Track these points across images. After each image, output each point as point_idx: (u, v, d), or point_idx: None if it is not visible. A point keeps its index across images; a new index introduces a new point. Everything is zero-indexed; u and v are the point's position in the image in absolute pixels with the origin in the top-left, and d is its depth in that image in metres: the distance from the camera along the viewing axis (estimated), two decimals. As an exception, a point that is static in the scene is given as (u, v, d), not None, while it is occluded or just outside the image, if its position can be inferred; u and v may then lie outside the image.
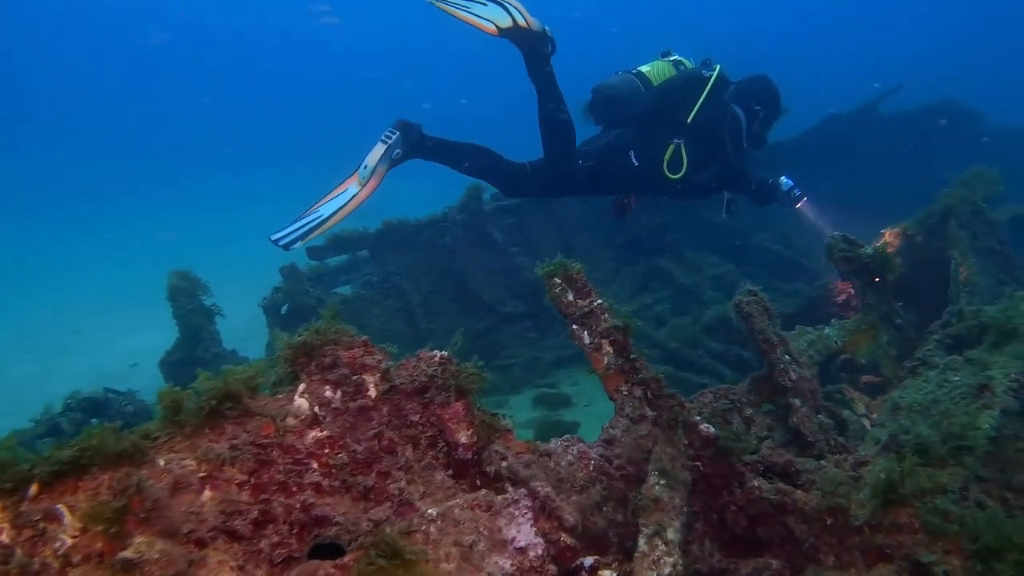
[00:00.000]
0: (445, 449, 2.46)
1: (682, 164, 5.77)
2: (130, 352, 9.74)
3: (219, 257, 16.77)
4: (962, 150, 11.13)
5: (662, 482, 2.77)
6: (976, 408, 3.23)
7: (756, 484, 2.91)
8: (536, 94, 5.57)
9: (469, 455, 2.43)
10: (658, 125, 5.77)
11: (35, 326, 12.82)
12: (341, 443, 2.23)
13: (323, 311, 2.44)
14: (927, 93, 13.15)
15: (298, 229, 5.26)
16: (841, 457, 3.15)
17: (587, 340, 3.18)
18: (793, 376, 3.55)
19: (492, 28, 5.28)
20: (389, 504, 2.25)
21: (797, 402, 3.51)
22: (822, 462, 3.20)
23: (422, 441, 2.42)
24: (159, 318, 8.11)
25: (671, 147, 5.76)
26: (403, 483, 2.32)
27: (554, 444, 2.86)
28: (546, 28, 5.42)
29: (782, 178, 6.30)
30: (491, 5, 5.29)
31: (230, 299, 8.28)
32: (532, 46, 5.36)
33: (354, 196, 5.24)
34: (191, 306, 7.04)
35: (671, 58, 5.92)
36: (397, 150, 5.24)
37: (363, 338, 2.45)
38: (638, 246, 9.48)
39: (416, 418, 2.43)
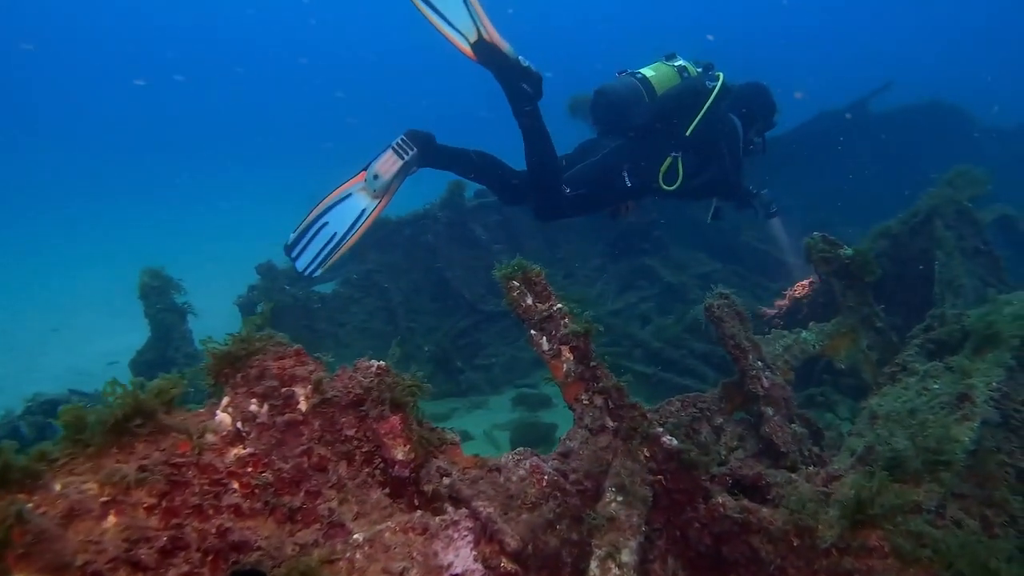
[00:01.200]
0: (383, 466, 2.30)
1: (678, 176, 5.68)
2: (109, 351, 9.53)
3: (208, 254, 16.63)
4: (951, 149, 11.02)
5: (619, 499, 2.63)
6: (955, 419, 3.09)
7: (720, 501, 2.76)
8: (521, 132, 5.39)
9: (406, 473, 2.28)
10: (656, 135, 5.64)
11: (16, 324, 12.62)
12: (266, 461, 2.07)
13: (248, 319, 2.27)
14: (917, 92, 13.04)
15: (311, 244, 5.16)
16: (813, 471, 3.00)
17: (545, 346, 3.03)
18: (765, 383, 3.40)
19: (466, 47, 5.13)
20: (318, 526, 2.10)
21: (769, 411, 3.37)
22: (793, 475, 3.05)
23: (357, 457, 2.26)
24: (142, 317, 7.95)
25: (668, 159, 5.65)
26: (335, 503, 2.16)
27: (505, 458, 2.70)
28: (521, 58, 5.19)
29: (764, 191, 6.28)
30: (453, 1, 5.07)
31: (219, 296, 8.14)
32: (509, 77, 5.16)
33: (367, 212, 5.13)
34: (162, 305, 6.87)
35: (676, 63, 5.79)
36: (415, 167, 5.15)
37: (295, 347, 2.29)
38: (624, 243, 9.33)
39: (351, 432, 2.27)
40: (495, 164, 5.56)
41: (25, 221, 24.34)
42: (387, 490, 2.29)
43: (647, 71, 5.66)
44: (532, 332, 3.06)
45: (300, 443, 2.15)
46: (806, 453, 3.39)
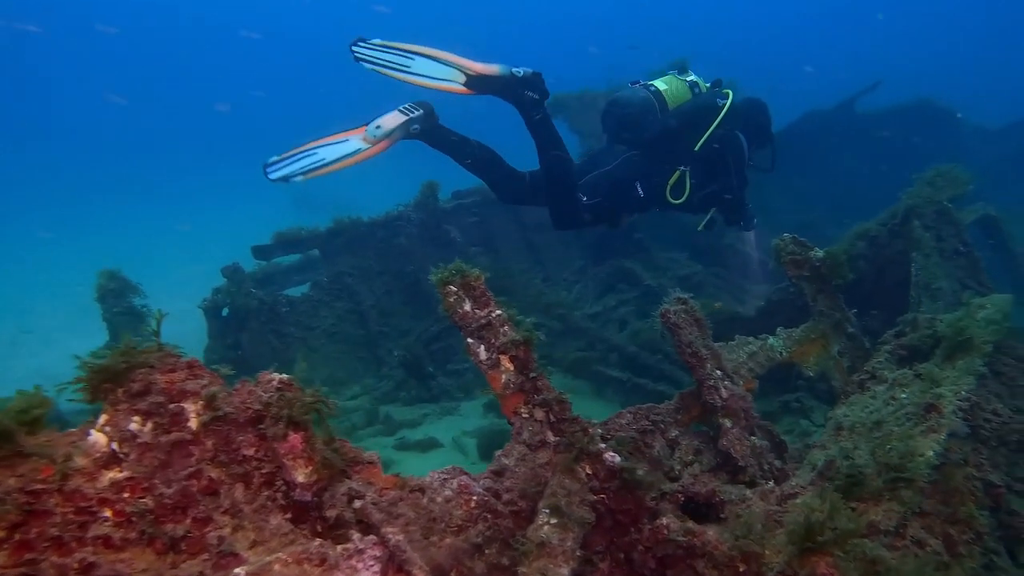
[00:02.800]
0: (286, 489, 2.10)
1: (685, 190, 5.72)
2: (81, 353, 9.33)
3: (192, 255, 16.39)
4: (939, 148, 10.87)
5: (553, 521, 2.43)
6: (921, 431, 2.90)
7: (665, 522, 2.57)
8: (533, 139, 5.44)
9: (308, 496, 2.08)
10: (666, 149, 5.65)
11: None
12: (146, 485, 1.87)
13: (125, 332, 2.07)
14: (906, 92, 12.91)
15: (295, 162, 5.14)
16: (768, 488, 2.81)
17: (483, 356, 2.84)
18: (724, 394, 3.21)
19: (459, 88, 5.18)
20: (206, 556, 1.91)
21: (727, 423, 3.17)
22: (748, 492, 2.86)
23: (256, 479, 2.07)
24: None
25: (676, 174, 5.68)
26: (227, 530, 1.97)
27: (431, 477, 2.51)
28: (514, 70, 5.19)
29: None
30: (419, 59, 5.16)
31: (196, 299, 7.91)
32: (512, 93, 5.21)
33: (360, 151, 5.16)
34: (119, 308, 6.66)
35: (688, 78, 5.80)
36: (416, 125, 5.20)
37: (188, 359, 2.09)
38: (605, 246, 9.14)
39: (250, 452, 2.07)
40: (496, 159, 5.56)
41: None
42: (290, 515, 2.10)
43: (660, 84, 5.66)
44: (469, 340, 2.87)
45: (188, 464, 1.95)
46: (766, 467, 3.20)
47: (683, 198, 5.73)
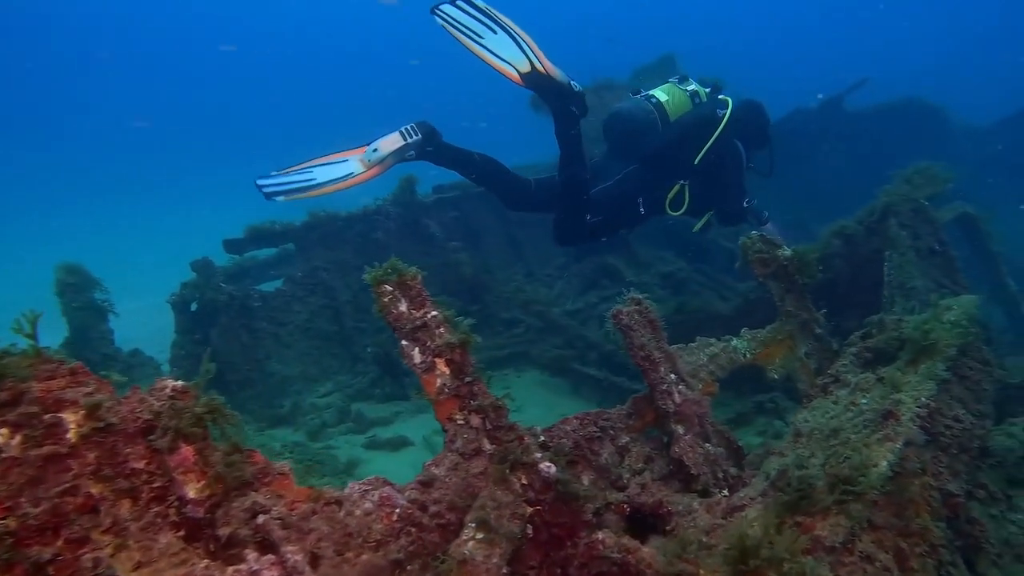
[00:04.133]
0: (179, 504, 1.96)
1: (684, 202, 5.76)
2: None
3: (170, 253, 16.25)
4: (927, 146, 10.73)
5: (479, 536, 2.29)
6: (878, 439, 2.76)
7: (600, 537, 2.43)
8: (559, 151, 5.37)
9: (200, 512, 1.94)
10: (666, 163, 5.65)
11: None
12: (9, 504, 1.73)
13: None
14: (894, 89, 12.76)
15: (287, 184, 5.07)
16: (714, 500, 2.67)
17: (417, 359, 2.70)
18: (677, 399, 3.07)
19: (515, 75, 5.06)
20: (81, 580, 1.76)
21: (680, 429, 3.04)
22: (695, 504, 2.73)
23: (144, 494, 1.92)
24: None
25: (676, 187, 5.70)
26: (107, 551, 1.83)
27: (350, 489, 2.37)
28: (572, 82, 5.14)
29: (753, 200, 6.16)
30: (501, 34, 5.01)
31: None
32: (559, 101, 5.15)
33: (353, 175, 5.08)
34: (79, 303, 6.51)
35: (688, 88, 5.77)
36: (411, 152, 5.15)
37: (72, 364, 1.95)
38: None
39: (140, 465, 1.93)
40: (500, 169, 5.50)
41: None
42: (183, 533, 1.96)
43: (661, 95, 5.65)
44: (403, 343, 2.73)
45: (63, 480, 1.81)
46: (720, 475, 3.06)
47: (681, 210, 5.77)
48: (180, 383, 2.01)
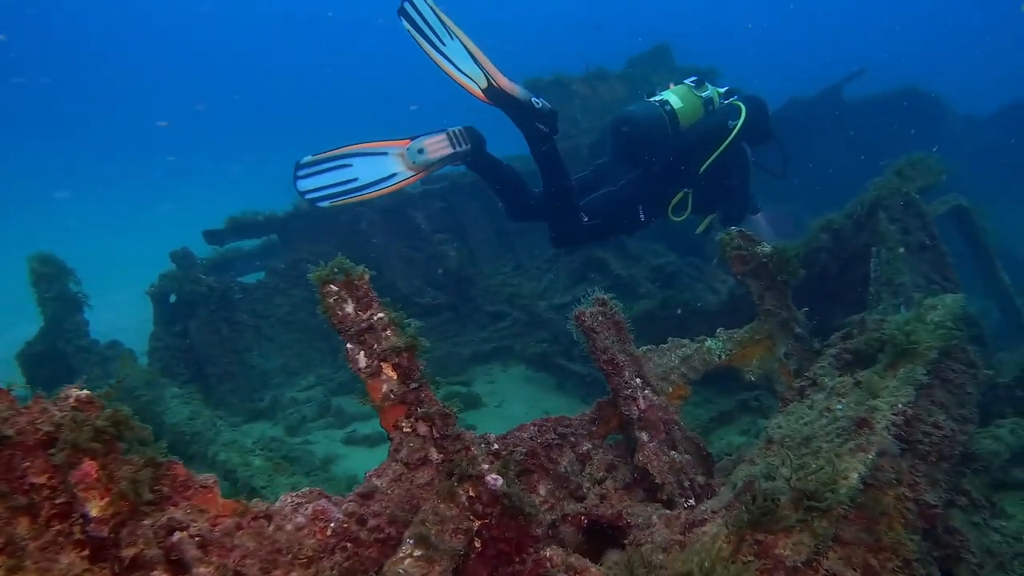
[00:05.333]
0: (84, 521, 1.83)
1: (687, 209, 5.73)
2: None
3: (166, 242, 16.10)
4: (926, 137, 10.54)
5: (417, 553, 2.17)
6: (850, 448, 2.62)
7: (548, 554, 2.30)
8: (538, 167, 5.35)
9: (104, 532, 1.80)
10: (672, 170, 5.59)
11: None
12: None
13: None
14: (891, 79, 12.56)
15: (329, 186, 4.93)
16: (673, 514, 2.53)
17: (362, 363, 2.56)
18: (642, 404, 2.93)
19: (478, 91, 5.01)
20: (-34, 606, 1.63)
21: (644, 436, 2.90)
22: (654, 518, 2.59)
23: (44, 511, 1.79)
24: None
25: (680, 194, 5.66)
26: (0, 572, 1.70)
27: (281, 502, 2.24)
28: (534, 99, 5.03)
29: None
30: (456, 42, 4.91)
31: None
32: (522, 119, 5.07)
33: (397, 179, 4.97)
34: (52, 293, 6.38)
35: (704, 94, 5.67)
36: (459, 161, 5.14)
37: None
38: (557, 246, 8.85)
39: (40, 480, 1.80)
40: (520, 184, 5.46)
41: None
42: (87, 552, 1.83)
43: (675, 100, 5.53)
44: (348, 346, 2.59)
45: (-50, 499, 1.68)
46: (687, 484, 2.92)
47: (684, 215, 5.75)
48: (85, 392, 1.87)
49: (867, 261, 5.00)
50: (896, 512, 2.67)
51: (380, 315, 2.60)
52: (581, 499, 2.80)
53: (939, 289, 4.83)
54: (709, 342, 3.70)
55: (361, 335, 2.58)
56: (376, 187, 4.89)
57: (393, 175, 4.92)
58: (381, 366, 2.56)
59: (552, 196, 5.32)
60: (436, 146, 4.92)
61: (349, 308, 2.62)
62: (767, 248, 3.88)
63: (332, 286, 2.64)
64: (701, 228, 6.19)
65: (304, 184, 4.95)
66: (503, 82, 4.93)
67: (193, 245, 7.61)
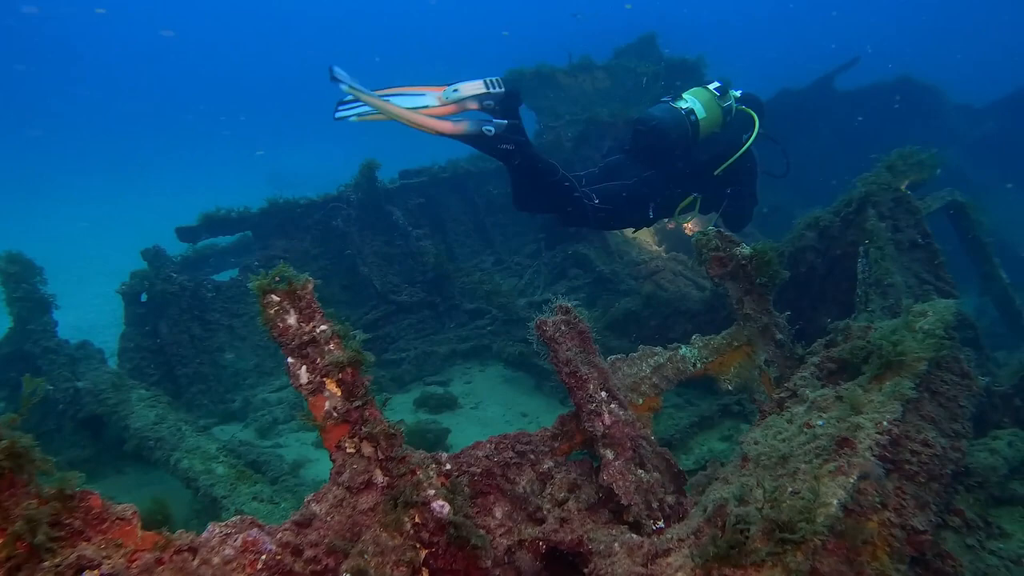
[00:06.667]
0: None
1: (694, 210, 5.77)
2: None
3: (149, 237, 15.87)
4: (920, 127, 10.37)
5: (352, 590, 1.97)
6: (829, 471, 2.43)
7: (498, 589, 2.11)
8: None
9: (1, 572, 1.61)
10: (685, 175, 5.60)
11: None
12: None
13: None
14: (887, 68, 12.36)
15: (362, 104, 4.87)
16: (635, 543, 2.34)
17: (304, 379, 2.36)
18: (607, 420, 2.73)
19: (437, 132, 4.87)
20: None
21: (609, 454, 2.70)
22: (616, 546, 2.40)
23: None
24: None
25: (689, 198, 5.69)
26: None
27: (209, 532, 2.04)
28: (485, 127, 4.86)
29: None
30: (403, 98, 4.89)
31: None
32: (488, 149, 4.97)
33: (427, 107, 4.91)
34: (19, 294, 6.14)
35: (725, 104, 5.61)
36: (490, 101, 4.96)
37: None
38: (559, 229, 8.62)
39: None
40: (546, 170, 5.25)
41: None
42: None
43: (700, 110, 5.48)
44: (289, 360, 2.39)
45: None
46: (655, 505, 2.73)
47: (690, 217, 5.80)
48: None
49: (855, 260, 4.82)
50: (881, 540, 2.49)
51: (323, 327, 2.41)
52: (541, 522, 2.60)
53: (932, 289, 4.65)
54: (683, 350, 3.51)
55: (303, 348, 2.38)
56: (405, 106, 4.84)
57: (425, 104, 4.94)
58: (324, 382, 2.36)
59: (551, 195, 5.30)
60: (470, 86, 4.93)
61: (291, 319, 2.42)
62: (746, 249, 3.69)
63: (273, 296, 2.44)
64: (707, 229, 6.05)
65: (341, 113, 4.95)
66: (444, 128, 4.82)
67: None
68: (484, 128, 4.86)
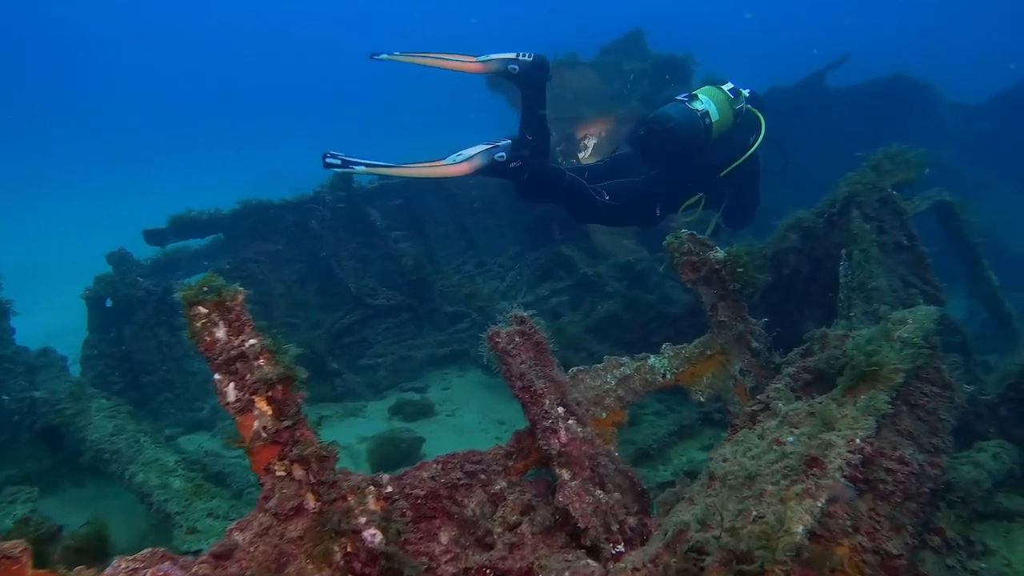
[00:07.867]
0: None
1: (698, 211, 5.75)
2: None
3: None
4: (914, 126, 10.24)
5: (270, 633, 1.79)
6: (796, 493, 2.27)
7: (432, 628, 1.94)
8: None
9: None
10: (692, 175, 5.62)
11: None
12: None
13: None
14: (879, 66, 12.22)
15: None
16: (587, 571, 2.18)
17: (232, 396, 2.19)
18: (563, 437, 2.57)
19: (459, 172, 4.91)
20: None
21: (565, 474, 2.53)
22: (567, 575, 2.23)
23: None
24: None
25: (695, 198, 5.69)
26: None
27: (114, 567, 1.87)
28: (496, 156, 4.84)
29: None
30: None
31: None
32: (504, 175, 5.01)
33: (459, 60, 5.09)
34: (-29, 301, 5.97)
35: (738, 106, 5.62)
36: (515, 66, 4.97)
37: None
38: (542, 228, 8.44)
39: None
40: (547, 181, 5.20)
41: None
42: None
43: (713, 112, 5.46)
44: (216, 377, 2.22)
45: None
46: (614, 528, 2.56)
47: (693, 216, 5.70)
48: None
49: (839, 263, 4.66)
50: (852, 566, 2.33)
51: (253, 341, 2.23)
52: (491, 547, 2.44)
53: (917, 293, 4.50)
54: (652, 360, 3.34)
55: (231, 364, 2.21)
56: (439, 57, 5.04)
57: (459, 59, 5.07)
58: (253, 399, 2.19)
59: (567, 197, 5.31)
60: (501, 54, 5.03)
61: (220, 333, 2.25)
62: (720, 253, 3.52)
63: (201, 307, 2.27)
64: (708, 231, 5.91)
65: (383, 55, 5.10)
66: (460, 171, 4.84)
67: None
68: (496, 156, 4.84)
